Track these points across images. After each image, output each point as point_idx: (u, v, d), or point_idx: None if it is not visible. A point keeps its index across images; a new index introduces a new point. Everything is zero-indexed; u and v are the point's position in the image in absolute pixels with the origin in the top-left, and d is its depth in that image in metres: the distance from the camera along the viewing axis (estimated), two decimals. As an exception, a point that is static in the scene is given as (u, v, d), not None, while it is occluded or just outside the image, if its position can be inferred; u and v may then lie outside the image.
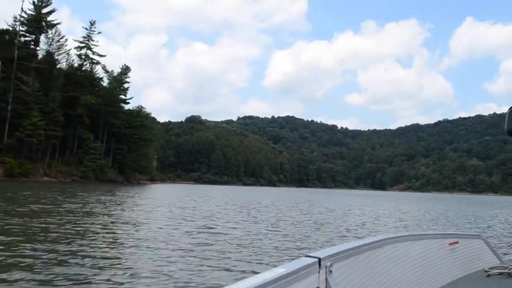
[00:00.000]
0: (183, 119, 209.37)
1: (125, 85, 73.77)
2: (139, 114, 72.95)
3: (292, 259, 1.48)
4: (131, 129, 68.94)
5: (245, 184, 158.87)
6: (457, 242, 2.82)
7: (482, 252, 3.13)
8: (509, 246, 11.84)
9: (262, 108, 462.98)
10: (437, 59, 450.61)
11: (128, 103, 74.82)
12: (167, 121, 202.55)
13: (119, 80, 72.78)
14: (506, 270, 2.74)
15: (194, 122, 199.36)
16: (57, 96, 58.01)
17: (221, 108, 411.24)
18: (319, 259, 1.45)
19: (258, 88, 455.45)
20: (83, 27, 75.61)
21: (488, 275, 2.74)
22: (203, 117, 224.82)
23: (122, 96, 73.75)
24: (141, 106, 75.41)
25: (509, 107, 2.10)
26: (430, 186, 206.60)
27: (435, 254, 2.51)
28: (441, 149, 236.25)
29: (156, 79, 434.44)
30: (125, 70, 73.86)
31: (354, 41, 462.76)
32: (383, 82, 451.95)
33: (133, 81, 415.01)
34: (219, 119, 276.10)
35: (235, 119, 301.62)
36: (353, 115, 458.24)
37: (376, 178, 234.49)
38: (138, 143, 71.05)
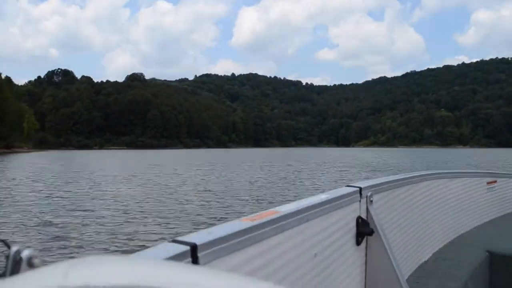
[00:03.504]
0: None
1: None
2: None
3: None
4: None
5: (187, 146, 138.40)
6: (495, 181, 2.73)
7: None
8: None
9: (232, 68, 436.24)
10: (409, 11, 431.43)
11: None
12: (103, 80, 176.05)
13: None
14: None
15: (135, 80, 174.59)
16: None
17: (188, 70, 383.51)
18: (360, 189, 1.44)
19: (227, 48, 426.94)
20: None
21: None
22: (166, 78, 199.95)
23: None
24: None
25: None
26: (396, 141, 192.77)
27: (473, 192, 2.47)
28: (409, 101, 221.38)
29: (117, 41, 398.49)
30: None
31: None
32: (355, 36, 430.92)
33: (92, 44, 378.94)
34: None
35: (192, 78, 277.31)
36: (325, 72, 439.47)
37: (340, 134, 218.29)
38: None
